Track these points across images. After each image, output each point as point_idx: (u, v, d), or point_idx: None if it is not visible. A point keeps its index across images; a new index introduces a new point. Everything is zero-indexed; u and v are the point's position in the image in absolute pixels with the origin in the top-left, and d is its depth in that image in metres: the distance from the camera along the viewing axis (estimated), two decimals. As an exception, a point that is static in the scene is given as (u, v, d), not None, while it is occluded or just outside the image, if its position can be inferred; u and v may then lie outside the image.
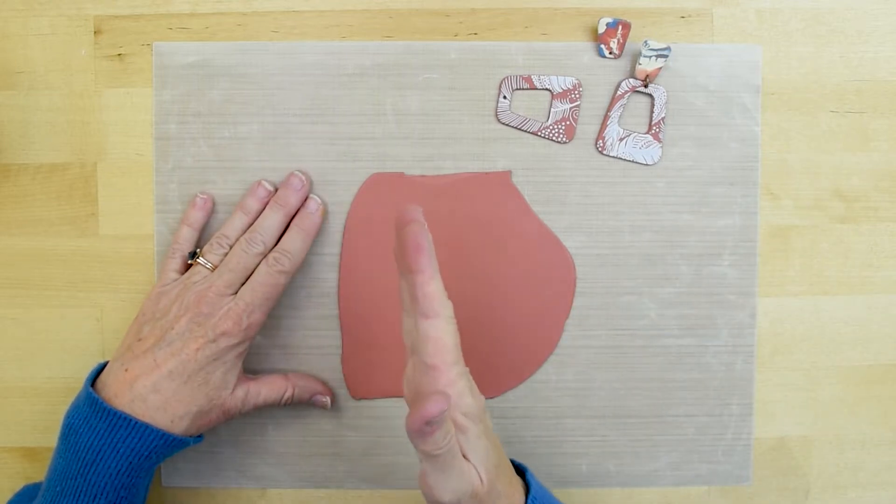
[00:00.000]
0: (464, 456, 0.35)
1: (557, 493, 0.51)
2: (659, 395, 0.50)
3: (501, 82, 0.49)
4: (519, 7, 0.49)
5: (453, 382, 0.35)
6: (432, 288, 0.34)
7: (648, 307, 0.50)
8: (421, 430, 0.32)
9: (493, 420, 0.50)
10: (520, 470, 0.41)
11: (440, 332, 0.35)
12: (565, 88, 0.49)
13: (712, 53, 0.49)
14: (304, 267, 0.49)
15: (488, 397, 0.50)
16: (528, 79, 0.49)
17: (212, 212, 0.49)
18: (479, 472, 0.35)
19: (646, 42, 0.48)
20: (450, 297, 0.49)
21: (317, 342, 0.50)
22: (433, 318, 0.35)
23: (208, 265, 0.45)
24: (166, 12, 0.49)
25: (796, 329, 0.51)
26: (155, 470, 0.45)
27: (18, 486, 0.49)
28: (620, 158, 0.50)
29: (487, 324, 0.50)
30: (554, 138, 0.49)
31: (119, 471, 0.41)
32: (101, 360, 0.47)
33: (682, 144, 0.50)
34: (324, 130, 0.49)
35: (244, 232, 0.46)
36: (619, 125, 0.49)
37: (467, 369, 0.37)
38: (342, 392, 0.50)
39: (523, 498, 0.38)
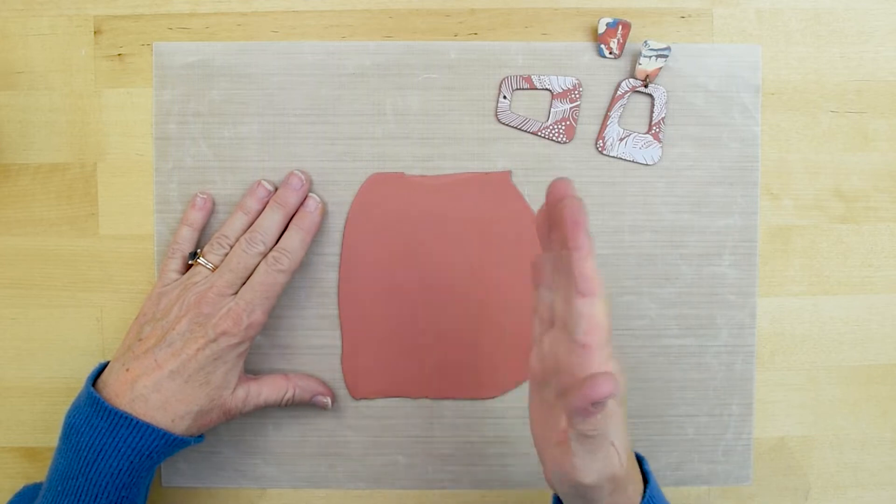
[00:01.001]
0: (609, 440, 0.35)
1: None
2: (659, 395, 0.50)
3: (501, 82, 0.49)
4: (519, 7, 0.49)
5: (605, 363, 0.34)
6: (590, 265, 0.34)
7: (648, 307, 0.50)
8: (585, 409, 0.32)
9: (492, 420, 0.50)
10: (636, 458, 0.41)
11: (595, 311, 0.34)
12: (565, 88, 0.49)
13: (712, 53, 0.49)
14: (304, 267, 0.49)
15: (488, 397, 0.50)
16: (528, 79, 0.49)
17: (212, 212, 0.49)
18: (619, 456, 0.35)
19: (646, 42, 0.48)
20: (450, 298, 0.50)
21: (317, 342, 0.50)
22: (590, 297, 0.34)
23: (209, 265, 0.46)
24: (166, 12, 0.49)
25: (796, 329, 0.51)
26: (155, 470, 0.45)
27: (18, 486, 0.49)
28: (620, 158, 0.50)
29: (487, 324, 0.50)
30: (554, 138, 0.49)
31: (120, 470, 0.41)
32: (102, 360, 0.47)
33: (682, 144, 0.50)
34: (324, 130, 0.49)
35: (244, 232, 0.46)
36: (619, 125, 0.49)
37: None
38: (342, 392, 0.50)
39: (642, 486, 0.38)
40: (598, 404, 0.32)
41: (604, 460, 0.35)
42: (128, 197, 0.50)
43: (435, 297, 0.50)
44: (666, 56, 0.48)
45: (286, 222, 0.47)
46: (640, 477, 0.39)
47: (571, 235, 0.33)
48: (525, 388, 0.50)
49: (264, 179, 0.48)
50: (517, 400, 0.50)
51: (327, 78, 0.49)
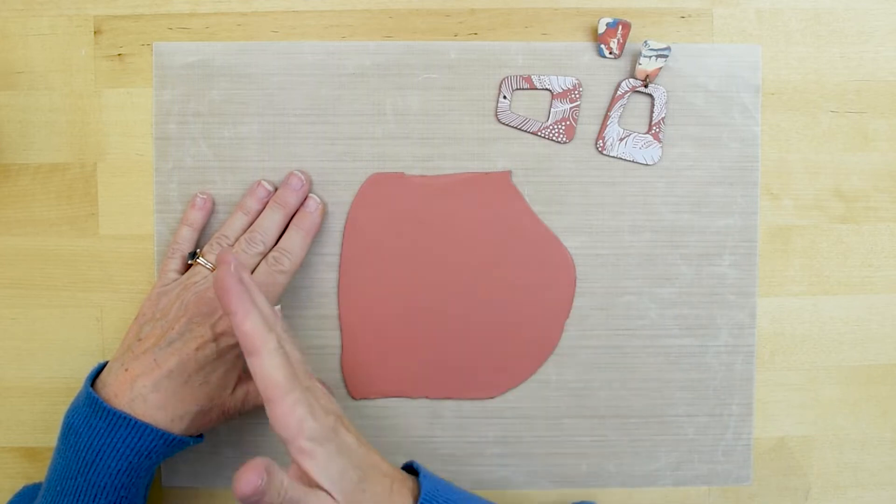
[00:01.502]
0: (316, 484, 0.34)
1: (557, 492, 0.51)
2: (659, 395, 0.50)
3: (501, 82, 0.49)
4: (519, 7, 0.49)
5: (292, 411, 0.34)
6: (248, 326, 0.34)
7: (648, 307, 0.50)
8: (246, 501, 0.31)
9: (492, 420, 0.50)
10: (415, 470, 0.40)
11: (265, 369, 0.35)
12: (565, 88, 0.49)
13: (712, 53, 0.49)
14: (304, 267, 0.49)
15: (488, 397, 0.50)
16: (528, 79, 0.49)
17: (212, 212, 0.49)
18: (333, 498, 0.34)
19: (646, 42, 0.48)
20: (450, 297, 0.50)
21: (317, 342, 0.50)
22: (255, 356, 0.35)
23: (208, 265, 0.46)
24: (166, 12, 0.49)
25: (796, 329, 0.51)
26: (155, 470, 0.45)
27: (18, 486, 0.49)
28: (620, 158, 0.50)
29: (487, 324, 0.50)
30: (554, 138, 0.49)
31: (119, 470, 0.41)
32: (101, 360, 0.47)
33: (682, 144, 0.50)
34: (324, 130, 0.49)
35: (244, 232, 0.47)
36: (619, 125, 0.49)
37: (312, 384, 0.37)
38: (342, 392, 0.50)
39: (412, 501, 0.37)
40: (251, 498, 0.31)
41: None
42: (128, 197, 0.50)
43: (435, 297, 0.50)
44: (666, 56, 0.48)
45: (286, 222, 0.47)
46: (404, 495, 0.37)
47: (223, 302, 0.35)
48: (525, 388, 0.50)
49: (264, 179, 0.48)
50: (517, 400, 0.50)
51: (327, 78, 0.49)
